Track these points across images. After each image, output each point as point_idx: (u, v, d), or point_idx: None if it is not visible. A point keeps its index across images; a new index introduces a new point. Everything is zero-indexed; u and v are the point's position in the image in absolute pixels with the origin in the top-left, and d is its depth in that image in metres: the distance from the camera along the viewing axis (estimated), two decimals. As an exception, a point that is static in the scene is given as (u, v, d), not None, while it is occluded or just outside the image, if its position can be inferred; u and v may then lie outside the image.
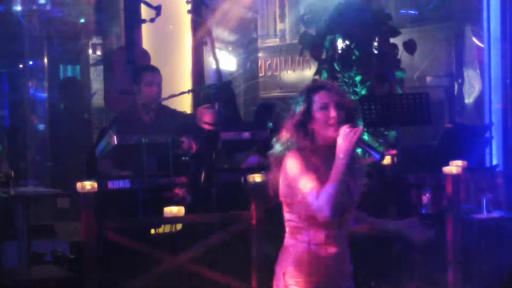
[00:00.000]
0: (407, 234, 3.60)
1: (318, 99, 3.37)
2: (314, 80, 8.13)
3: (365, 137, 7.33)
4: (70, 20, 10.73)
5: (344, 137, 3.27)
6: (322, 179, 3.27)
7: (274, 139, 3.47)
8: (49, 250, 6.45)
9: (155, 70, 6.32)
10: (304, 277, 3.35)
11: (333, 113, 3.34)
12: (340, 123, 3.33)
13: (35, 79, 10.52)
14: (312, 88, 3.43)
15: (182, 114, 6.52)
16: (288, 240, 3.42)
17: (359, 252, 5.80)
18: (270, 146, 3.50)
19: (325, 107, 3.35)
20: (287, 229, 3.44)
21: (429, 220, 5.95)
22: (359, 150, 3.43)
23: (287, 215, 3.42)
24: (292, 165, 3.32)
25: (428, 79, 11.20)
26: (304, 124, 3.36)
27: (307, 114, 3.36)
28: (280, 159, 3.38)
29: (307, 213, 3.31)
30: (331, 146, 3.33)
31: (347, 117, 3.38)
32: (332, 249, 3.38)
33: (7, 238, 6.50)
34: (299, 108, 3.37)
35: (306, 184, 3.26)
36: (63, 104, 10.44)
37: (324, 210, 3.22)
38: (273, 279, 3.48)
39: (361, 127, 3.33)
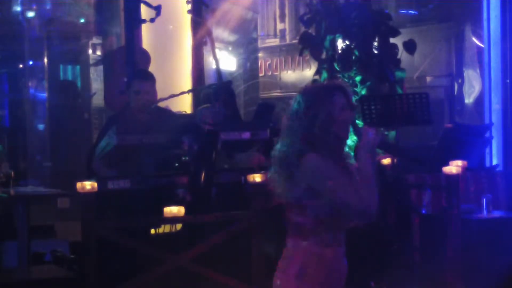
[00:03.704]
0: None
1: (338, 99, 3.36)
2: (314, 81, 8.13)
3: None
4: (70, 20, 10.74)
5: (370, 138, 3.32)
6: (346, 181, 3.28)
7: (279, 140, 3.44)
8: (49, 250, 6.45)
9: (143, 78, 6.24)
10: (318, 278, 3.34)
11: (351, 114, 3.37)
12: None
13: (35, 79, 10.53)
14: (332, 88, 3.41)
15: (179, 116, 6.51)
16: (296, 243, 3.38)
17: (359, 252, 5.83)
18: (273, 147, 3.47)
19: (344, 108, 3.35)
20: (294, 232, 3.39)
21: None
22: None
23: (297, 218, 3.36)
24: (317, 167, 3.26)
25: (428, 79, 11.22)
26: (324, 125, 3.33)
27: (328, 114, 3.32)
28: (288, 160, 3.33)
29: (324, 215, 3.30)
30: (340, 146, 3.36)
31: None
32: (339, 249, 3.40)
33: (7, 238, 6.50)
34: (319, 108, 3.33)
35: (342, 187, 3.24)
36: (63, 104, 10.45)
37: (368, 211, 3.24)
38: (278, 282, 3.44)
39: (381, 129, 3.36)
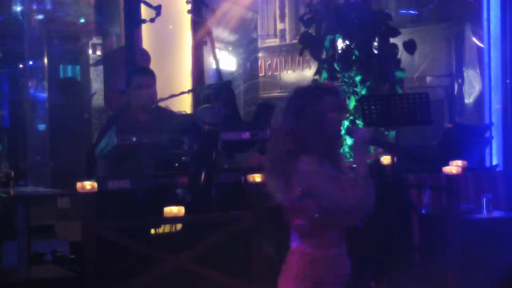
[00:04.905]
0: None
1: (328, 100, 3.37)
2: (314, 81, 8.14)
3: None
4: (70, 20, 10.74)
5: (360, 137, 3.35)
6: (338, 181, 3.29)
7: (272, 142, 3.45)
8: (49, 250, 6.45)
9: (145, 73, 6.25)
10: (317, 279, 3.35)
11: (341, 115, 3.38)
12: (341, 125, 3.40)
13: (35, 79, 10.53)
14: (322, 89, 3.43)
15: (179, 116, 6.50)
16: (297, 245, 3.40)
17: (359, 252, 5.82)
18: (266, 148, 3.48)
19: (334, 109, 3.36)
20: (294, 235, 3.41)
21: None
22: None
23: (293, 220, 3.38)
24: (309, 169, 3.27)
25: (428, 79, 11.21)
26: (313, 127, 3.34)
27: (318, 115, 3.34)
28: (281, 162, 3.34)
29: (320, 217, 3.30)
30: (331, 147, 3.36)
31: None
32: (341, 250, 3.42)
33: (7, 238, 6.50)
34: (308, 109, 3.35)
35: (333, 187, 3.26)
36: (63, 104, 10.46)
37: (360, 210, 3.27)
38: (279, 284, 3.44)
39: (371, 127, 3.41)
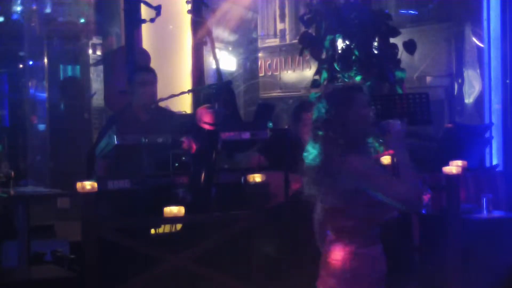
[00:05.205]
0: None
1: (361, 98, 3.44)
2: (314, 81, 8.13)
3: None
4: (70, 20, 10.75)
5: (399, 129, 3.47)
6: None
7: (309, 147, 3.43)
8: (49, 250, 6.45)
9: (148, 70, 6.30)
10: (370, 278, 3.40)
11: (372, 111, 3.46)
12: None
13: (35, 79, 10.54)
14: (352, 88, 3.49)
15: (179, 116, 6.50)
16: (342, 247, 3.40)
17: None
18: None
19: (366, 105, 3.44)
20: (338, 236, 3.41)
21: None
22: None
23: (342, 222, 3.39)
24: (362, 168, 3.32)
25: (428, 79, 11.22)
26: (355, 125, 3.40)
27: (356, 114, 3.40)
28: (329, 166, 3.34)
29: (370, 214, 3.35)
30: (364, 141, 3.44)
31: None
32: (381, 245, 3.47)
33: (7, 238, 6.50)
34: (347, 110, 3.39)
35: (390, 181, 3.34)
36: (63, 104, 10.47)
37: (417, 198, 3.33)
38: (330, 284, 3.44)
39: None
